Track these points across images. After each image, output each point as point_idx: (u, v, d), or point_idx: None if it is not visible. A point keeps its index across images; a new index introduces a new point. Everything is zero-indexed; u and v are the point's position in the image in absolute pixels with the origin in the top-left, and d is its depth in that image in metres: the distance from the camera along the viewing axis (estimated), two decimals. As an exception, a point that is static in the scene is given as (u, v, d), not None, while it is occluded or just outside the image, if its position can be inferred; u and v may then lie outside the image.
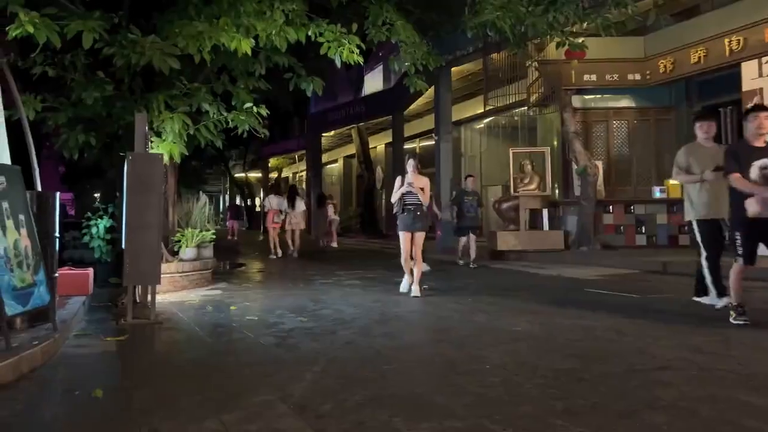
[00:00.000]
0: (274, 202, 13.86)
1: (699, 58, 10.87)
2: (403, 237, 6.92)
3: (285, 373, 3.60)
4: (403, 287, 6.99)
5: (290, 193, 14.43)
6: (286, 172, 34.91)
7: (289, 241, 13.73)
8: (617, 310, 5.66)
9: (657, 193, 12.15)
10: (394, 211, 7.02)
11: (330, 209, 17.32)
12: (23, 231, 4.31)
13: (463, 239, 10.55)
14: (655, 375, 3.42)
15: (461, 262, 10.66)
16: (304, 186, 27.82)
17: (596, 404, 2.90)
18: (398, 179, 7.00)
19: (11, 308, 3.88)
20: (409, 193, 6.86)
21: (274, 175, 33.53)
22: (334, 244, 16.73)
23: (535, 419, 2.70)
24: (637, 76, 12.35)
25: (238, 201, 35.45)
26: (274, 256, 13.20)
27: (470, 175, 11.07)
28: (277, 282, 8.57)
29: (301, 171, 30.55)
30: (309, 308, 6.05)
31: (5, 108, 5.14)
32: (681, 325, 4.90)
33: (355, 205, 24.91)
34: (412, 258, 6.92)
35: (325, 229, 17.29)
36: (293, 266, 11.39)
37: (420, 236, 6.88)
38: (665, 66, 11.70)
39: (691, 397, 2.99)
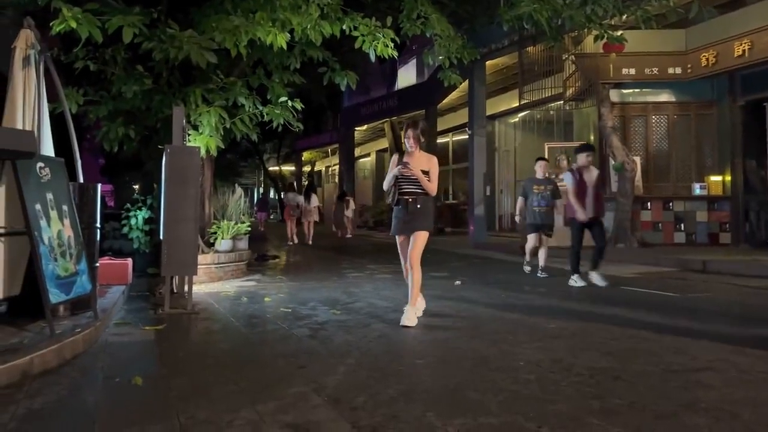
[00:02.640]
0: (291, 197, 16.52)
1: (743, 51, 10.54)
2: (397, 242, 5.10)
3: (318, 364, 3.63)
4: (406, 319, 4.78)
5: (306, 190, 17.46)
6: (319, 166, 35.11)
7: (306, 231, 16.02)
8: (655, 309, 5.55)
9: (697, 189, 11.86)
10: (387, 201, 5.15)
11: (349, 204, 19.12)
12: (66, 221, 4.43)
13: (533, 238, 8.40)
14: (695, 376, 3.34)
15: (527, 268, 8.66)
16: (336, 180, 27.99)
17: (634, 404, 2.85)
18: (394, 157, 5.10)
19: (55, 296, 4.00)
20: (405, 178, 4.90)
21: (307, 168, 33.76)
22: (349, 235, 18.57)
23: (570, 417, 2.67)
24: (678, 70, 12.04)
25: (271, 194, 35.83)
26: (291, 243, 15.45)
27: (541, 159, 8.84)
28: (310, 274, 8.64)
29: (334, 165, 30.68)
30: (342, 301, 6.09)
31: (49, 102, 5.27)
32: (721, 326, 4.79)
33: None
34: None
35: (342, 221, 18.82)
36: (325, 259, 11.46)
37: (420, 237, 4.89)
38: (707, 59, 11.38)
39: (732, 400, 2.92)
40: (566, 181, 7.43)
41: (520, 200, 8.61)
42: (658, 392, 3.04)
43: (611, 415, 2.70)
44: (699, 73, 11.70)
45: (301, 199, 16.51)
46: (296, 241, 15.51)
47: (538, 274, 8.16)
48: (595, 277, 7.27)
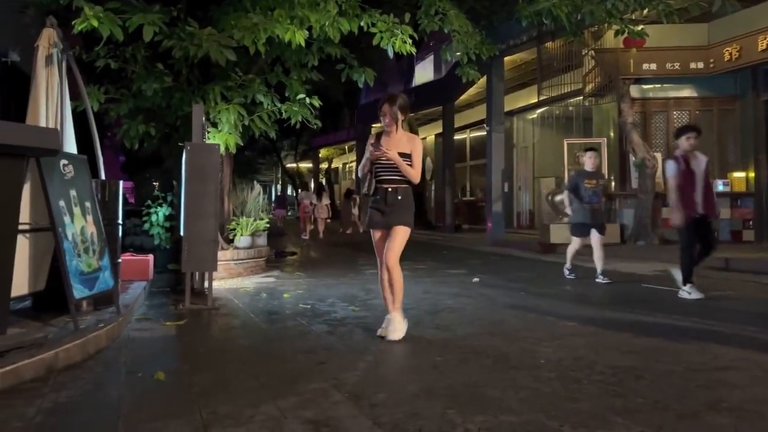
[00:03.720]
0: (304, 196, 18.55)
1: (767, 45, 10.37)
2: (373, 239, 4.35)
3: (338, 361, 3.65)
4: (393, 331, 4.18)
5: (318, 189, 19.26)
6: (336, 163, 35.17)
7: (318, 227, 17.72)
8: (676, 307, 5.48)
9: (720, 186, 11.68)
10: (363, 191, 4.38)
11: (356, 202, 20.16)
12: (89, 218, 4.49)
13: (578, 241, 7.51)
14: (718, 375, 3.30)
15: (572, 275, 7.57)
16: (353, 177, 28.02)
17: (657, 403, 2.82)
18: (371, 138, 4.37)
19: (78, 292, 4.05)
20: (382, 164, 4.17)
21: (324, 165, 33.85)
22: (349, 231, 19.51)
23: (592, 416, 2.64)
24: (700, 65, 11.87)
25: (289, 191, 35.99)
26: (306, 236, 16.86)
27: (591, 149, 7.88)
28: (328, 271, 8.66)
29: (351, 162, 30.73)
30: (360, 297, 6.10)
31: (71, 100, 5.34)
32: (744, 324, 4.71)
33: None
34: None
35: (350, 218, 19.92)
36: (342, 256, 11.49)
37: (399, 233, 4.14)
38: (731, 54, 11.20)
39: (757, 399, 2.87)
40: (668, 172, 6.14)
41: (566, 194, 7.65)
42: (681, 391, 3.00)
43: (634, 414, 2.67)
44: (722, 68, 11.52)
45: (314, 197, 18.21)
46: (308, 236, 16.91)
47: (598, 280, 7.15)
48: (687, 289, 5.93)
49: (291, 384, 3.14)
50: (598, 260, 7.28)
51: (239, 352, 3.99)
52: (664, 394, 2.95)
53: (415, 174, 4.19)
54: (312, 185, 27.15)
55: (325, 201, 18.21)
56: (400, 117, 4.21)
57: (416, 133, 22.32)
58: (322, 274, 8.25)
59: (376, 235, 4.32)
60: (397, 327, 4.19)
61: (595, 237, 7.29)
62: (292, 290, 6.69)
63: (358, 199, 20.22)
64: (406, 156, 4.16)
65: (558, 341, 4.10)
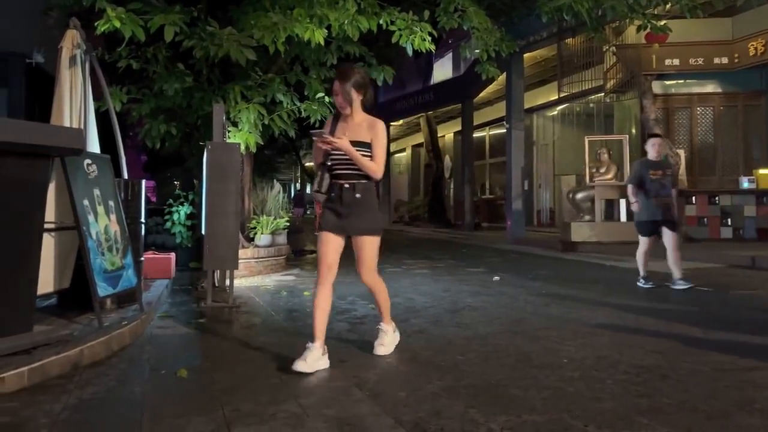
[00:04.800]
0: (320, 195, 18.68)
1: (794, 38, 10.16)
2: (320, 240, 3.60)
3: (359, 359, 3.64)
4: (380, 345, 3.76)
5: None
6: (355, 161, 35.21)
7: None
8: (701, 305, 5.40)
9: (745, 183, 11.47)
10: (314, 188, 3.56)
11: None
12: (112, 217, 4.54)
13: (647, 242, 6.54)
14: (746, 375, 3.24)
15: (647, 283, 6.52)
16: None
17: (683, 403, 2.77)
18: (326, 123, 3.70)
19: (102, 290, 4.10)
20: (336, 157, 3.47)
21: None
22: None
23: (617, 416, 2.61)
24: (724, 60, 11.68)
25: (308, 190, 36.15)
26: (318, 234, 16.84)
27: (654, 135, 6.99)
28: (348, 269, 8.62)
29: (370, 160, 30.67)
30: (380, 296, 6.08)
31: (94, 100, 5.41)
32: (773, 323, 4.62)
33: (422, 194, 24.86)
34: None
35: None
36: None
37: (368, 245, 3.58)
38: (756, 48, 11.01)
39: (789, 400, 2.81)
40: None
41: (630, 188, 6.65)
42: (709, 391, 2.95)
43: (660, 414, 2.63)
44: (747, 63, 11.33)
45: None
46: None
47: (677, 287, 6.26)
48: None
49: (313, 382, 3.15)
50: (673, 263, 6.34)
51: (261, 349, 4.01)
52: (691, 395, 2.90)
53: (375, 168, 3.46)
54: None
55: None
56: (355, 96, 3.48)
57: (435, 131, 22.36)
58: (342, 272, 8.16)
59: (328, 239, 3.53)
60: (385, 341, 3.77)
61: (667, 236, 6.34)
62: (312, 288, 6.68)
63: None
64: (364, 145, 3.45)
65: (580, 340, 4.06)
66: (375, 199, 3.60)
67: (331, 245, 3.56)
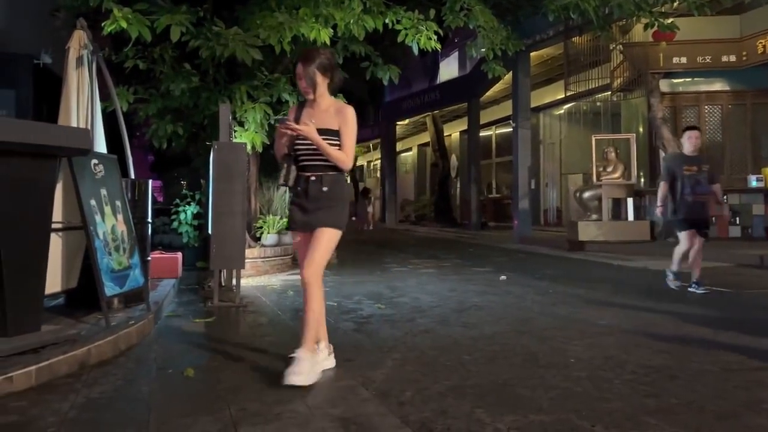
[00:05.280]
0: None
1: (803, 36, 10.08)
2: (295, 243, 3.43)
3: (365, 358, 3.64)
4: (293, 374, 3.02)
5: None
6: (361, 161, 35.19)
7: None
8: (709, 305, 5.37)
9: (753, 182, 11.40)
10: (280, 182, 3.28)
11: (370, 200, 21.10)
12: (119, 216, 4.55)
13: (687, 237, 5.99)
14: (755, 375, 3.22)
15: (676, 282, 6.14)
16: (378, 174, 28.10)
17: (692, 403, 2.75)
18: (293, 110, 3.39)
19: (110, 289, 4.12)
20: (302, 146, 3.20)
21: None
22: (370, 228, 20.26)
23: (625, 416, 2.59)
24: (732, 58, 11.61)
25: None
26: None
27: (692, 128, 6.29)
28: (354, 269, 8.67)
29: (376, 159, 30.74)
30: (386, 295, 6.09)
31: (101, 100, 5.43)
32: (783, 323, 4.59)
33: (429, 193, 24.86)
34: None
35: (364, 215, 20.47)
36: (368, 254, 11.49)
37: (324, 237, 3.18)
38: (764, 46, 10.94)
39: (798, 401, 2.79)
40: None
41: (662, 186, 6.10)
42: (717, 391, 2.93)
43: (668, 414, 2.61)
44: (755, 61, 11.25)
45: None
46: None
47: (693, 289, 5.95)
48: None
49: (319, 381, 3.14)
50: (693, 266, 6.04)
51: (267, 348, 4.01)
52: (700, 395, 2.88)
53: (343, 158, 3.16)
54: None
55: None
56: (320, 80, 3.20)
57: (441, 130, 22.31)
58: (348, 272, 8.26)
59: (297, 239, 3.34)
60: (302, 368, 3.01)
61: (696, 240, 5.98)
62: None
63: (372, 197, 21.41)
64: (332, 133, 3.16)
65: (588, 340, 4.04)
66: (345, 192, 3.31)
67: (303, 243, 3.30)
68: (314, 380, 3.05)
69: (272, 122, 7.64)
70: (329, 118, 3.21)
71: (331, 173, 3.21)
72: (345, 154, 3.18)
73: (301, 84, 3.23)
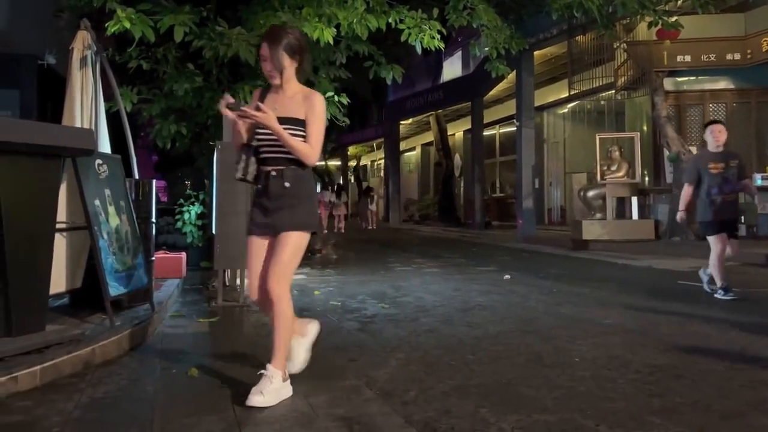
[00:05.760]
0: (326, 195, 20.00)
1: (808, 33, 10.04)
2: (249, 245, 2.96)
3: (369, 358, 3.64)
4: (257, 394, 2.73)
5: (337, 189, 22.08)
6: (365, 160, 35.22)
7: (336, 223, 19.55)
8: (715, 304, 5.35)
9: (758, 180, 11.32)
10: (236, 176, 2.93)
11: (373, 199, 21.89)
12: (123, 216, 4.56)
13: (719, 241, 5.49)
14: (761, 374, 3.20)
15: (727, 295, 5.46)
16: (382, 174, 28.11)
17: (697, 403, 2.74)
18: (256, 96, 3.00)
19: (114, 289, 4.13)
20: (263, 137, 2.87)
21: (352, 163, 33.93)
22: (372, 227, 21.10)
23: (630, 416, 2.58)
24: (737, 56, 11.57)
25: (318, 189, 36.23)
26: (324, 231, 17.22)
27: (715, 121, 5.92)
28: (357, 268, 8.68)
29: (380, 159, 30.74)
30: (390, 295, 6.08)
31: (105, 101, 5.44)
32: (788, 322, 4.57)
33: (432, 193, 24.85)
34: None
35: (366, 214, 21.56)
36: (372, 253, 11.50)
37: (290, 242, 2.82)
38: (769, 44, 10.88)
39: (804, 400, 2.78)
40: None
41: (686, 188, 5.68)
42: (723, 391, 2.92)
43: (673, 414, 2.60)
44: (760, 59, 11.21)
45: (333, 196, 20.35)
46: (326, 231, 18.18)
47: (718, 296, 5.52)
48: None
49: (322, 381, 3.15)
50: (717, 268, 5.61)
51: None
52: (704, 394, 2.87)
53: (306, 151, 2.81)
54: (336, 185, 29.55)
55: (344, 199, 21.11)
56: (287, 63, 2.86)
57: (444, 130, 22.32)
58: (352, 272, 8.26)
59: (255, 246, 2.91)
60: (266, 387, 2.75)
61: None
62: (323, 287, 6.71)
63: (376, 196, 22.13)
64: (297, 123, 2.82)
65: (592, 339, 4.03)
66: (310, 189, 2.96)
67: (259, 250, 2.89)
68: (277, 401, 2.75)
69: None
70: (295, 106, 2.86)
71: (293, 168, 2.85)
72: (309, 147, 2.83)
73: (266, 67, 2.87)
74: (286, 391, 2.86)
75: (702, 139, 12.07)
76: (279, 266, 2.79)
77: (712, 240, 5.52)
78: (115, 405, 2.87)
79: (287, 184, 2.83)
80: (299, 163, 2.86)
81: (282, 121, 2.77)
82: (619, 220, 11.75)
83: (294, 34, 2.90)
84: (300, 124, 2.83)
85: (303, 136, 2.83)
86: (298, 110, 2.86)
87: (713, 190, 5.47)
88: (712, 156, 5.60)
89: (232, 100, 2.80)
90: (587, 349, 3.75)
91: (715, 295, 5.59)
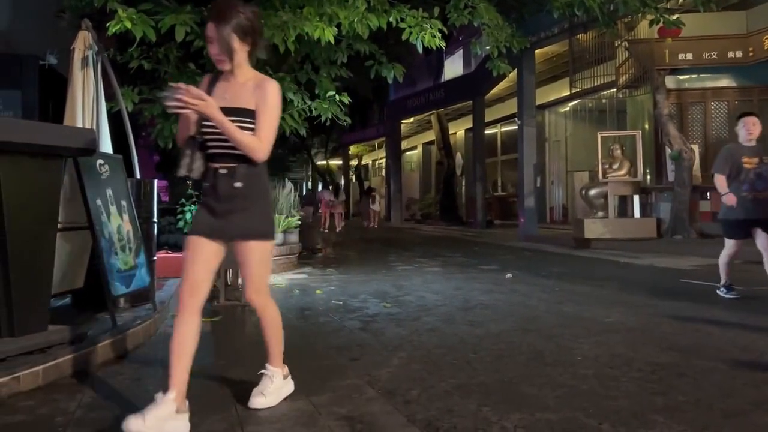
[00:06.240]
0: (325, 194, 21.11)
1: (811, 31, 10.01)
2: (186, 250, 2.57)
3: (371, 357, 3.64)
4: (259, 395, 2.75)
5: (335, 188, 23.34)
6: (366, 160, 35.22)
7: (335, 221, 19.99)
8: (717, 302, 5.34)
9: (760, 178, 11.32)
10: (180, 172, 2.57)
11: (375, 199, 22.08)
12: (125, 216, 4.56)
13: (734, 245, 5.33)
14: (764, 373, 3.19)
15: (730, 293, 5.45)
16: (383, 173, 28.13)
17: (699, 401, 2.74)
18: (204, 83, 2.67)
19: (116, 289, 4.12)
20: (209, 130, 2.52)
21: (354, 162, 33.94)
22: (374, 226, 21.44)
23: (632, 414, 2.58)
24: (739, 54, 11.54)
25: (319, 188, 36.22)
26: (324, 230, 18.05)
27: (748, 113, 5.53)
28: (359, 267, 8.67)
29: (381, 158, 30.75)
30: (391, 294, 6.08)
31: (106, 101, 5.44)
32: (791, 320, 4.56)
33: (434, 192, 24.85)
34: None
35: (368, 213, 21.99)
36: (373, 252, 11.50)
37: (257, 252, 2.63)
38: (771, 41, 10.86)
39: (807, 398, 2.77)
40: None
41: (719, 178, 5.30)
42: (726, 389, 2.91)
43: (676, 412, 2.60)
44: (762, 57, 11.19)
45: (332, 195, 21.00)
46: (327, 229, 18.77)
47: (721, 293, 5.52)
48: None
49: (325, 380, 3.15)
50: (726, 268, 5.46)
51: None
52: (707, 393, 2.86)
53: (254, 145, 2.48)
54: (335, 184, 30.31)
55: (342, 198, 22.03)
56: (237, 45, 2.53)
57: (446, 129, 22.32)
58: (354, 271, 8.26)
59: (195, 247, 2.54)
60: (267, 388, 2.76)
61: (761, 238, 5.12)
62: (324, 287, 6.71)
63: (377, 196, 22.36)
64: (246, 114, 2.52)
65: (594, 338, 4.02)
66: (263, 190, 2.64)
67: (199, 256, 2.53)
68: (279, 401, 2.77)
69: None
70: (246, 95, 2.54)
71: (246, 165, 2.53)
72: (257, 140, 2.49)
73: (212, 50, 2.54)
74: (287, 388, 2.87)
75: (706, 136, 12.09)
76: (252, 281, 2.68)
77: (730, 242, 5.33)
78: (117, 404, 2.87)
79: (238, 184, 2.52)
80: (250, 161, 2.53)
81: (230, 111, 2.47)
82: (621, 219, 11.74)
83: (245, 13, 2.54)
84: (250, 114, 2.52)
85: (252, 128, 2.51)
86: (248, 99, 2.54)
87: (744, 186, 5.15)
88: (746, 150, 5.27)
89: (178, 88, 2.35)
90: (589, 348, 3.74)
91: (717, 292, 5.56)
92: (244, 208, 2.55)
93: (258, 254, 2.62)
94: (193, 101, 2.33)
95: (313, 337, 4.30)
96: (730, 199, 5.17)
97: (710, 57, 11.67)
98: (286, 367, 2.92)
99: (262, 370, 2.83)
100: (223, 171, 2.54)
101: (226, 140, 2.49)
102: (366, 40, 7.51)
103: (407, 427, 2.49)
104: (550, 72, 16.30)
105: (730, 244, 5.35)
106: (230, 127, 2.43)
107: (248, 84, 2.57)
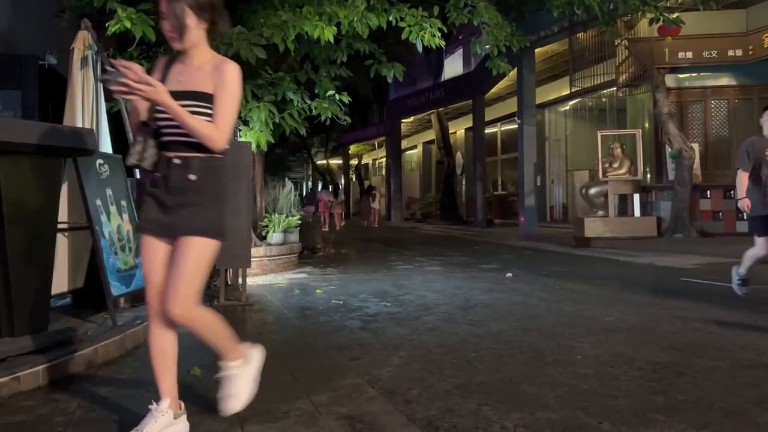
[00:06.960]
0: (324, 194, 21.50)
1: (811, 29, 10.00)
2: (143, 250, 2.36)
3: (371, 356, 3.64)
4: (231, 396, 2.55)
5: (335, 188, 24.18)
6: (366, 159, 35.21)
7: (336, 220, 20.46)
8: (717, 301, 5.33)
9: (761, 177, 11.32)
10: (130, 161, 2.29)
11: (375, 197, 22.47)
12: (125, 216, 4.56)
13: (764, 243, 5.08)
14: (764, 372, 3.19)
15: (743, 288, 5.31)
16: (383, 172, 28.14)
17: (700, 400, 2.74)
18: (160, 66, 2.40)
19: (116, 289, 4.13)
20: (162, 116, 2.25)
21: (354, 161, 33.93)
22: (375, 224, 21.88)
23: (633, 413, 2.58)
24: (739, 52, 11.53)
25: (319, 188, 36.22)
26: (324, 229, 17.48)
27: None
28: (360, 267, 8.67)
29: (381, 157, 30.74)
30: (392, 293, 6.08)
31: (106, 101, 5.44)
32: (791, 319, 4.55)
33: (434, 191, 24.84)
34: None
35: (368, 212, 22.31)
36: (374, 251, 11.50)
37: (194, 250, 2.25)
38: (771, 40, 10.85)
39: (808, 397, 2.77)
40: None
41: (741, 175, 5.10)
42: (726, 388, 2.91)
43: (676, 411, 2.60)
44: (761, 55, 11.18)
45: (332, 195, 21.56)
46: (327, 228, 18.71)
47: (735, 285, 5.36)
48: None
49: (325, 379, 3.15)
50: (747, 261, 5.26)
51: (273, 347, 3.99)
52: (708, 391, 2.86)
53: (210, 133, 2.22)
54: (334, 183, 31.05)
55: (341, 198, 22.55)
56: (193, 22, 2.29)
57: (446, 128, 22.32)
58: (354, 270, 8.26)
59: (149, 247, 2.33)
60: (233, 388, 2.53)
61: None
62: (325, 286, 6.71)
63: (378, 195, 22.76)
64: (203, 98, 2.27)
65: (595, 337, 4.02)
66: (221, 186, 2.36)
67: (156, 258, 2.32)
68: (251, 390, 2.57)
69: (276, 121, 7.63)
70: (202, 78, 2.29)
71: (204, 157, 2.28)
72: (214, 128, 2.23)
73: (165, 27, 2.30)
74: (253, 365, 2.63)
75: (706, 134, 12.09)
76: (179, 285, 2.23)
77: (760, 240, 5.09)
78: (117, 404, 2.87)
79: (192, 177, 2.26)
80: (211, 151, 2.28)
81: (184, 95, 2.23)
82: (621, 218, 11.74)
83: None
84: (206, 99, 2.26)
85: (209, 115, 2.25)
86: (205, 83, 2.28)
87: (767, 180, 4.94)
88: None
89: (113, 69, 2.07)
90: (590, 347, 3.74)
91: (732, 277, 5.35)
92: (195, 203, 2.27)
93: (195, 252, 2.25)
94: (138, 86, 2.08)
95: (314, 336, 4.30)
96: (745, 205, 5.07)
97: (710, 55, 11.66)
98: (247, 354, 2.65)
99: (218, 374, 2.57)
100: (177, 161, 2.28)
101: (177, 129, 2.25)
102: (366, 39, 7.51)
103: (407, 427, 2.49)
104: (550, 71, 16.29)
105: (761, 244, 5.11)
106: (182, 113, 2.17)
107: (206, 66, 2.32)
